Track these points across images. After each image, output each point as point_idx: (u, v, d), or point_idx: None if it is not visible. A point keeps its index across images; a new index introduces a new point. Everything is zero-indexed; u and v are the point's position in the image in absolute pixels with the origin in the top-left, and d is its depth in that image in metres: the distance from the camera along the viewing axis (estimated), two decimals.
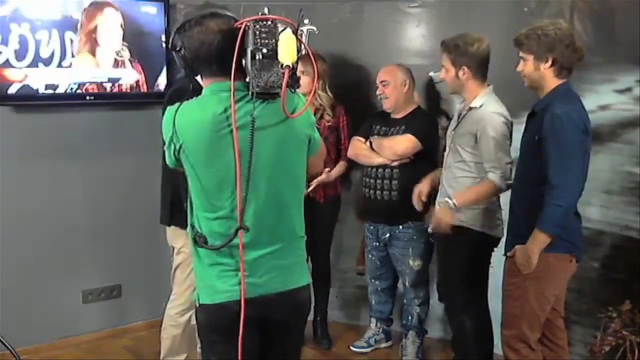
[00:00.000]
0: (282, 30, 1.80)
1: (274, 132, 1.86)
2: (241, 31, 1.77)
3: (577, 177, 2.50)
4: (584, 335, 3.24)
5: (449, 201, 2.97)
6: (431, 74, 3.70)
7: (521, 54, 2.62)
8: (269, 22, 1.78)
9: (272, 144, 1.86)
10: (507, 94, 3.05)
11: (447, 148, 3.14)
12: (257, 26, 1.77)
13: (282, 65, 1.77)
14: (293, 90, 1.87)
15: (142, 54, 3.44)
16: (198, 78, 1.99)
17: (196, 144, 1.83)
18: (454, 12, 3.64)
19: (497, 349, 3.24)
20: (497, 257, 3.06)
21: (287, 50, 1.78)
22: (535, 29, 2.58)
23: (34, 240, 3.59)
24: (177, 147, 1.86)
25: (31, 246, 3.58)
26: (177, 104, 1.88)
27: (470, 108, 3.00)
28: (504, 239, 3.05)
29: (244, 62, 1.78)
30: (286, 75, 1.77)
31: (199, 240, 1.89)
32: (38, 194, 3.58)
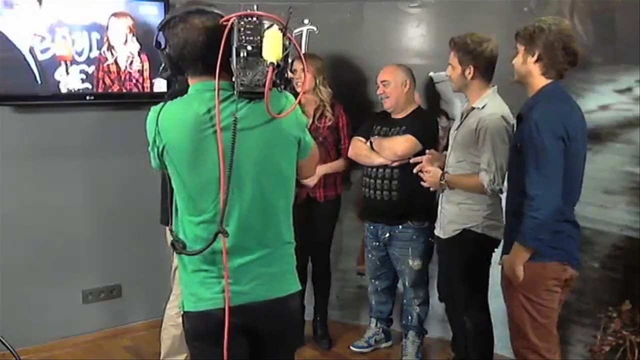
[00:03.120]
0: (267, 27, 1.73)
1: (260, 133, 1.79)
2: (227, 29, 1.71)
3: (554, 188, 2.39)
4: (584, 335, 3.24)
5: (442, 180, 3.05)
6: (431, 74, 3.70)
7: (517, 44, 2.58)
8: (254, 19, 1.72)
9: (258, 146, 1.79)
10: (507, 94, 3.05)
11: (449, 148, 3.14)
12: (242, 23, 1.71)
13: (267, 63, 1.70)
14: (280, 90, 1.81)
15: (148, 54, 3.56)
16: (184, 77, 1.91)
17: (179, 145, 1.78)
18: (454, 12, 3.64)
19: (497, 349, 3.25)
20: (497, 259, 3.06)
21: (271, 47, 1.71)
22: (535, 22, 2.53)
23: (34, 240, 3.59)
24: (160, 148, 1.80)
25: (31, 246, 3.58)
26: (160, 104, 1.82)
27: (473, 108, 3.00)
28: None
29: (230, 60, 1.72)
30: (270, 73, 1.70)
31: (177, 246, 1.83)
32: (38, 193, 3.59)
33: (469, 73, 2.97)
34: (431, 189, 3.18)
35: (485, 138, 2.90)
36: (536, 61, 2.50)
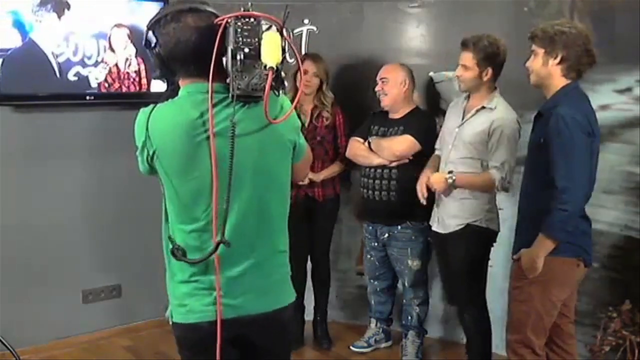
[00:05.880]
0: (266, 29, 1.65)
1: (256, 139, 1.71)
2: (221, 28, 1.62)
3: (582, 181, 2.44)
4: (584, 335, 3.24)
5: (449, 175, 3.03)
6: (431, 74, 3.70)
7: (533, 47, 2.56)
8: (252, 20, 1.62)
9: (254, 152, 1.71)
10: (508, 94, 3.05)
11: (449, 145, 3.13)
12: (239, 23, 1.61)
13: (265, 66, 1.62)
14: (277, 94, 1.72)
15: (143, 57, 3.72)
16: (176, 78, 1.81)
17: (171, 151, 1.68)
18: (454, 12, 3.64)
19: (497, 349, 3.24)
20: (499, 259, 3.06)
21: (270, 50, 1.62)
22: (553, 24, 2.53)
23: (34, 240, 3.59)
24: (151, 153, 1.71)
25: (31, 246, 3.58)
26: (151, 106, 1.72)
27: (484, 107, 3.01)
28: (502, 236, 3.06)
29: (224, 62, 1.63)
30: (269, 78, 1.62)
31: (177, 253, 1.74)
32: (38, 193, 3.58)
33: (486, 74, 2.98)
34: (437, 191, 3.15)
35: (501, 137, 2.94)
36: (559, 63, 2.50)
